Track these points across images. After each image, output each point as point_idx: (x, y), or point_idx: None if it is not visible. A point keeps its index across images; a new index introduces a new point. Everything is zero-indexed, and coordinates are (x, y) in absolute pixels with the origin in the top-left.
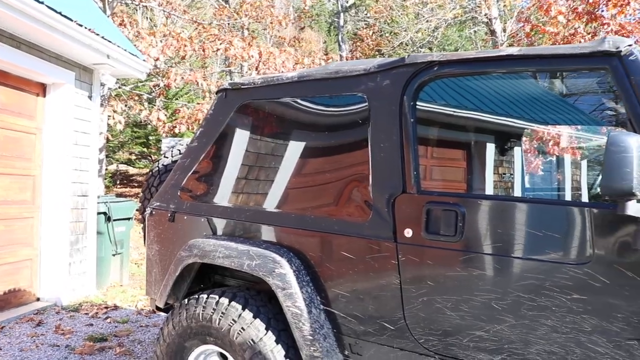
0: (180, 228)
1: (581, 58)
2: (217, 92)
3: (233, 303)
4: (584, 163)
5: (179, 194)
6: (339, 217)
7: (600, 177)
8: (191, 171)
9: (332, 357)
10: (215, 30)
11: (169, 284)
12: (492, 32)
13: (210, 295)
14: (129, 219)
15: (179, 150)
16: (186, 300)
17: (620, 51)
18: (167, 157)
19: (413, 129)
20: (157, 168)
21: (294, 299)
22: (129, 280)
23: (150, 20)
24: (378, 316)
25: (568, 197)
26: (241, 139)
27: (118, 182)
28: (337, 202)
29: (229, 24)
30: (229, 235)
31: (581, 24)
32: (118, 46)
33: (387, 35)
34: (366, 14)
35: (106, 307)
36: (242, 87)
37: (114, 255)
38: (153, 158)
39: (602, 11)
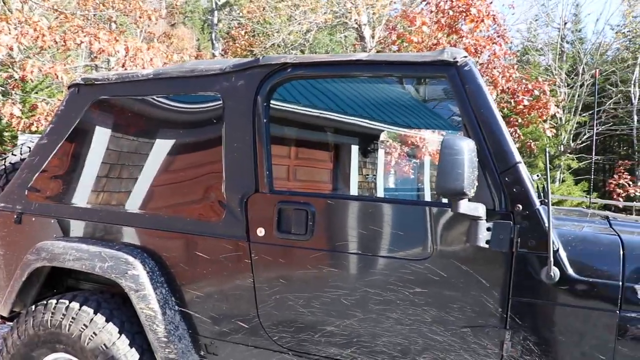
0: (27, 230)
1: (423, 66)
2: (69, 87)
3: (84, 307)
4: (428, 164)
5: (26, 194)
6: (192, 217)
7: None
8: (40, 170)
9: (187, 359)
10: (79, 21)
11: (15, 289)
12: (362, 38)
13: (60, 300)
14: None
15: (29, 147)
16: (33, 306)
17: (457, 61)
18: (15, 155)
19: (266, 128)
20: (3, 166)
21: (148, 300)
22: None
23: (4, 3)
24: (233, 315)
25: (414, 196)
26: (95, 136)
27: None
28: (191, 201)
29: (94, 15)
30: (81, 237)
31: (443, 34)
32: None
33: (259, 36)
34: (239, 14)
35: None
36: (96, 83)
37: None
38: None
39: (462, 25)
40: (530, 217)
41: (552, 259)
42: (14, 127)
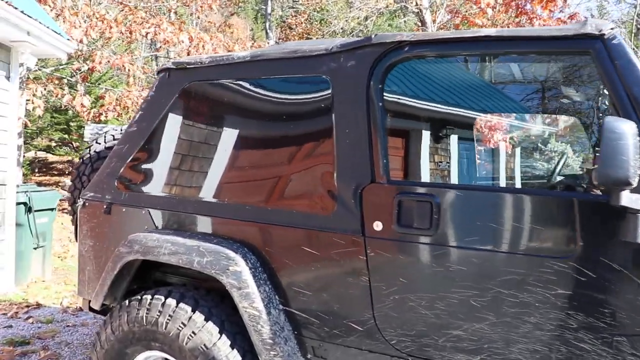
0: (117, 221)
1: (562, 40)
2: (158, 73)
3: (182, 304)
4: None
5: (115, 183)
6: (299, 209)
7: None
8: (130, 158)
9: None
10: (142, 13)
11: (106, 283)
12: (423, 23)
13: (155, 296)
14: (52, 209)
15: (113, 136)
16: (127, 301)
17: (604, 34)
18: (99, 143)
19: (381, 114)
20: (88, 155)
21: (252, 299)
22: (52, 275)
23: None
24: (345, 316)
25: (545, 187)
26: (187, 123)
27: (37, 170)
28: (298, 193)
29: (156, 7)
30: (174, 229)
31: (508, 16)
32: (40, 22)
33: (316, 23)
34: (295, 1)
35: (27, 306)
36: (188, 67)
37: (35, 248)
38: (75, 145)
39: (529, 6)
40: None
41: None
42: (81, 117)
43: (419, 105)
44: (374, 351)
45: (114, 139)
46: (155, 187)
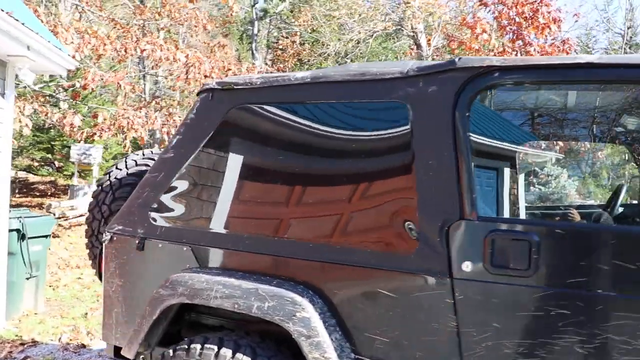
0: (152, 258)
1: None
2: (199, 93)
3: (238, 355)
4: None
5: (150, 215)
6: (373, 248)
7: None
8: (166, 188)
9: None
10: (136, 30)
11: (143, 329)
12: (418, 46)
13: (206, 345)
14: (46, 236)
15: (135, 161)
16: (171, 351)
17: None
18: (119, 169)
19: (468, 144)
20: (108, 182)
21: (323, 348)
22: (46, 307)
23: (55, 16)
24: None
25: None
26: (235, 150)
27: (17, 191)
28: (371, 230)
29: (148, 24)
30: (222, 268)
31: (501, 40)
32: (41, 36)
33: (308, 44)
34: (286, 22)
35: (22, 344)
36: (236, 87)
37: (27, 279)
38: (57, 165)
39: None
40: None
41: None
42: (71, 136)
43: (507, 137)
44: None
45: (137, 165)
46: (199, 221)
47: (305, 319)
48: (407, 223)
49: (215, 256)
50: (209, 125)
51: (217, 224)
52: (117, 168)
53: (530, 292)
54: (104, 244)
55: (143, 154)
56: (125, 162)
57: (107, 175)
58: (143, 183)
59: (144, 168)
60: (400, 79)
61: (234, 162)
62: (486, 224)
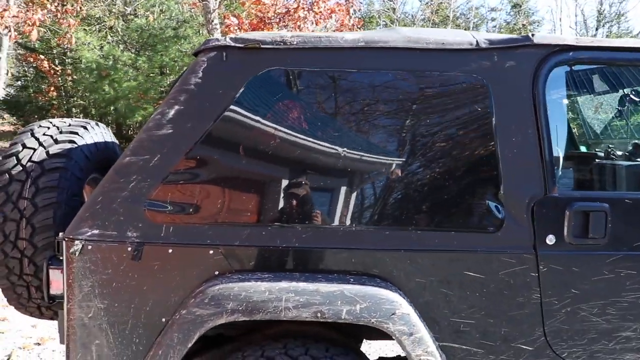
0: (157, 269)
1: None
2: (201, 52)
3: None
4: None
5: (146, 212)
6: (457, 230)
7: None
8: (169, 173)
9: None
10: None
11: None
12: None
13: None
14: None
15: (53, 136)
16: None
17: None
18: (32, 148)
19: (548, 120)
20: (19, 168)
21: (425, 343)
22: None
23: None
24: (513, 339)
25: None
26: (269, 123)
27: None
28: (457, 212)
29: None
30: (271, 271)
31: None
32: None
33: None
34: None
35: None
36: (264, 46)
37: None
38: None
39: None
40: None
41: None
42: None
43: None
44: None
45: (56, 141)
46: (233, 214)
47: (405, 316)
48: (492, 202)
49: (261, 257)
50: (226, 93)
51: (263, 216)
52: (26, 147)
53: (603, 258)
54: (66, 256)
55: (59, 128)
56: (37, 138)
57: (14, 158)
58: (123, 170)
59: (71, 145)
60: (473, 51)
61: (272, 138)
62: (567, 197)
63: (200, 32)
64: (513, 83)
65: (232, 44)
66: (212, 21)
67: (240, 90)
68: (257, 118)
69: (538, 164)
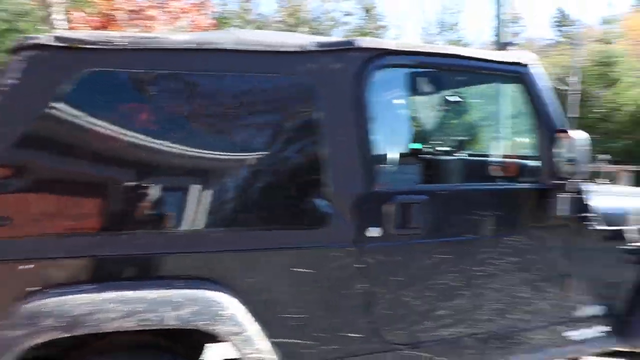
0: None
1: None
2: (18, 50)
3: None
4: None
5: None
6: (285, 228)
7: None
8: None
9: None
10: None
11: None
12: None
13: None
14: None
15: None
16: None
17: None
18: None
19: (370, 120)
20: None
21: (255, 342)
22: None
23: None
24: (343, 329)
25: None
26: (89, 126)
27: None
28: (281, 210)
29: None
30: (89, 282)
31: None
32: None
33: None
34: None
35: None
36: (87, 46)
37: None
38: None
39: None
40: None
41: None
42: None
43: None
44: (373, 352)
45: None
46: (42, 223)
47: (234, 317)
48: (319, 200)
49: (83, 268)
50: (44, 94)
51: (82, 224)
52: None
53: (423, 246)
54: None
55: None
56: None
57: None
58: None
59: None
60: (301, 53)
61: (95, 141)
62: (389, 193)
63: (37, 27)
64: (338, 85)
65: (53, 42)
66: (51, 15)
67: (61, 91)
68: (76, 121)
69: (361, 161)
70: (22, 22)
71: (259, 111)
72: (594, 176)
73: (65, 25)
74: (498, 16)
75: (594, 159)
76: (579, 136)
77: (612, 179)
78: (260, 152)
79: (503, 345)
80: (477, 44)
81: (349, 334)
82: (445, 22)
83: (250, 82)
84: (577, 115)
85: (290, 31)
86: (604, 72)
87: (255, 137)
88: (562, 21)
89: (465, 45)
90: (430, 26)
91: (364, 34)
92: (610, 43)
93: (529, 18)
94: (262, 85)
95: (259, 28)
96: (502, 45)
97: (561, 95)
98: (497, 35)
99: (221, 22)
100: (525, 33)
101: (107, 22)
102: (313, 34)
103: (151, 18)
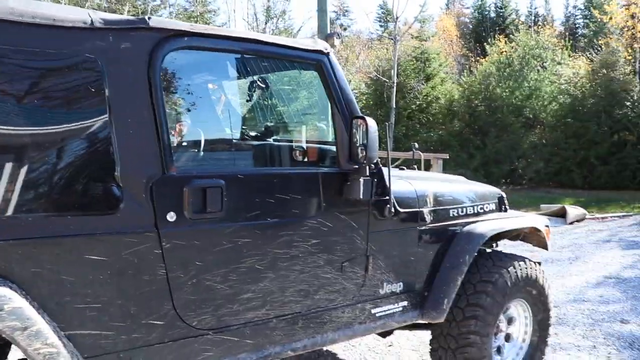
0: None
1: None
2: None
3: None
4: None
5: None
6: (75, 214)
7: None
8: None
9: None
10: None
11: None
12: None
13: None
14: None
15: None
16: None
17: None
18: None
19: (163, 102)
20: None
21: (44, 336)
22: None
23: None
24: (143, 316)
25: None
26: None
27: None
28: (70, 195)
29: None
30: None
31: None
32: None
33: None
34: None
35: None
36: None
37: None
38: None
39: None
40: None
41: None
42: None
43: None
44: (177, 339)
45: None
46: None
47: (17, 310)
48: (110, 184)
49: None
50: None
51: None
52: None
53: (222, 230)
54: None
55: None
56: None
57: None
58: None
59: None
60: (85, 30)
61: None
62: (186, 176)
63: None
64: (128, 65)
65: None
66: None
67: None
68: None
69: (154, 144)
70: None
71: (42, 91)
72: (409, 163)
73: None
74: (321, 7)
75: (410, 148)
76: (371, 123)
77: (426, 166)
78: (45, 136)
79: (311, 325)
80: (304, 33)
81: (151, 322)
82: (274, 9)
83: (29, 58)
84: (395, 106)
85: (112, 10)
86: (420, 67)
87: (39, 119)
88: (385, 17)
89: (292, 34)
90: (259, 13)
91: (190, 18)
92: (425, 41)
93: (357, 12)
94: (42, 63)
95: (77, 4)
96: (326, 36)
97: (383, 87)
98: (321, 25)
99: None
100: (354, 26)
101: None
102: (136, 14)
103: None
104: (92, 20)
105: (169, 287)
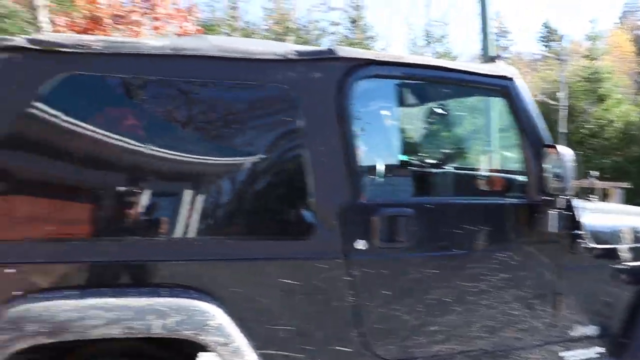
0: None
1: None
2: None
3: None
4: None
5: None
6: (271, 238)
7: None
8: None
9: None
10: None
11: None
12: None
13: None
14: None
15: None
16: None
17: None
18: None
19: (353, 130)
20: None
21: (243, 353)
22: None
23: None
24: (332, 342)
25: None
26: (68, 128)
27: None
28: (267, 220)
29: None
30: (79, 287)
31: None
32: None
33: None
34: None
35: None
36: (63, 49)
37: None
38: None
39: None
40: None
41: None
42: None
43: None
44: None
45: None
46: (30, 228)
47: (220, 327)
48: (304, 211)
49: (69, 274)
50: (21, 96)
51: (67, 230)
52: None
53: (409, 260)
54: None
55: None
56: None
57: None
58: None
59: None
60: (279, 62)
61: (77, 144)
62: (375, 204)
63: (26, 29)
64: (319, 94)
65: (29, 45)
66: (38, 18)
67: (37, 95)
68: (56, 122)
69: (345, 172)
70: (9, 24)
71: (241, 122)
72: (584, 193)
73: (49, 28)
74: (484, 29)
75: (585, 176)
76: (566, 152)
77: (603, 196)
78: (245, 163)
79: None
80: (464, 56)
81: (338, 347)
82: (433, 34)
83: (230, 91)
84: (565, 131)
85: (278, 40)
86: (591, 88)
87: (239, 148)
88: (549, 36)
89: (452, 57)
90: (418, 38)
91: (351, 45)
92: (595, 59)
93: (517, 32)
94: (242, 94)
95: (246, 36)
96: (489, 59)
97: (550, 110)
98: (484, 48)
99: (208, 29)
100: (514, 47)
101: (92, 26)
102: (300, 43)
103: (136, 23)
104: (284, 53)
105: (357, 314)
